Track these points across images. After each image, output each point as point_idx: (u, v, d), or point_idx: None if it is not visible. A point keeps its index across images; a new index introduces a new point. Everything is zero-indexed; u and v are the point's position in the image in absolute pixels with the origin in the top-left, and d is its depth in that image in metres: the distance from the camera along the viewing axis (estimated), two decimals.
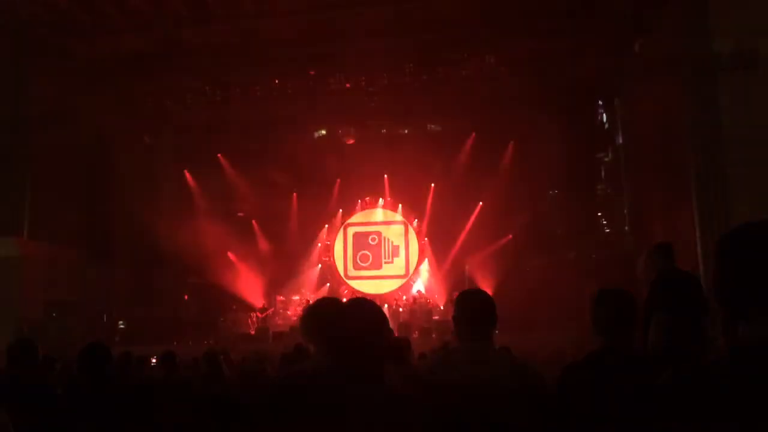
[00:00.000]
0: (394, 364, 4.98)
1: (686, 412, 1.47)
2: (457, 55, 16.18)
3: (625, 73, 15.83)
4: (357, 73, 17.33)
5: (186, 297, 20.03)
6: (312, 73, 17.03)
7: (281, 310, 19.46)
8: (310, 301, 18.14)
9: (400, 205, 21.21)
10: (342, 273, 21.31)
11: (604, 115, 18.89)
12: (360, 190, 21.21)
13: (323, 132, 20.90)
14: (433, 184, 20.57)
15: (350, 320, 2.05)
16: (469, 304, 2.94)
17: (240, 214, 20.51)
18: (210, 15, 14.51)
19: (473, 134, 19.56)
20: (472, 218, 20.08)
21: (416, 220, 21.06)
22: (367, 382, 1.97)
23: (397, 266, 21.10)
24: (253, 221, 20.58)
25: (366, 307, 2.13)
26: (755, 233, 1.55)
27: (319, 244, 21.25)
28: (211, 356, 5.94)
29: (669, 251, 4.91)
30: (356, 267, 21.32)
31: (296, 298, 19.86)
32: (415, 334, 16.32)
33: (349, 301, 2.23)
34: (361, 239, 21.47)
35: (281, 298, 19.84)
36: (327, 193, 20.89)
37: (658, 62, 13.02)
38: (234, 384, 5.92)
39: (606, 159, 18.90)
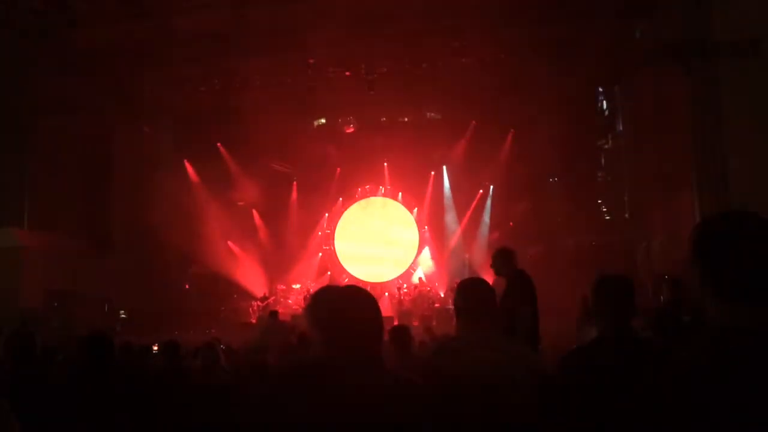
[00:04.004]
0: (395, 351, 5.01)
1: (685, 396, 1.52)
2: (456, 42, 16.10)
3: (625, 60, 15.78)
4: (356, 62, 17.27)
5: (187, 286, 20.07)
6: (311, 61, 16.96)
7: (282, 299, 19.48)
8: (311, 290, 18.26)
9: (400, 194, 21.20)
10: (343, 261, 21.34)
11: (605, 102, 18.88)
12: (360, 179, 21.20)
13: (323, 121, 20.86)
14: (433, 173, 20.57)
15: (344, 309, 2.06)
16: (469, 293, 2.96)
17: (240, 203, 20.50)
18: (209, 2, 14.44)
19: (473, 122, 19.50)
20: (473, 206, 20.11)
21: (416, 208, 21.05)
22: (365, 371, 1.98)
23: (398, 255, 21.11)
24: (254, 210, 20.59)
25: (359, 295, 2.14)
26: (728, 224, 1.66)
27: (320, 233, 21.26)
28: (210, 347, 5.96)
29: (511, 256, 5.97)
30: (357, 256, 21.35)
31: (297, 286, 19.90)
32: (416, 323, 16.37)
33: (340, 289, 2.23)
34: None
35: (282, 286, 19.87)
36: (327, 181, 20.88)
37: (658, 49, 12.98)
38: (235, 373, 5.95)
39: (606, 146, 18.91)
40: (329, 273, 20.97)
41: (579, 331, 6.49)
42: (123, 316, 18.25)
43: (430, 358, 3.13)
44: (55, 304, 15.88)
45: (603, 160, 19.11)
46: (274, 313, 13.08)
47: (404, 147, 19.13)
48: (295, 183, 20.89)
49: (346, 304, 2.08)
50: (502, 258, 5.95)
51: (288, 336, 9.93)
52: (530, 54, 15.92)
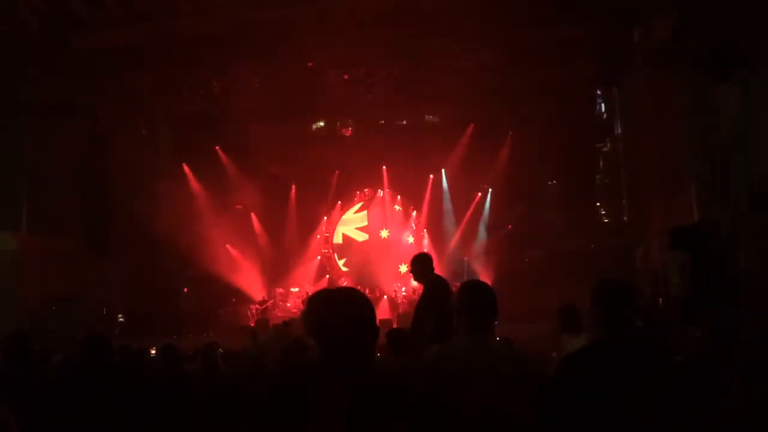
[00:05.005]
0: (393, 354, 5.00)
1: (681, 400, 1.53)
2: (455, 45, 16.11)
3: (623, 62, 15.78)
4: (355, 65, 17.28)
5: (185, 290, 20.03)
6: (310, 64, 16.96)
7: (281, 303, 19.47)
8: (309, 293, 18.23)
9: (398, 197, 21.19)
10: (340, 264, 21.32)
11: (603, 105, 18.86)
12: (358, 182, 21.20)
13: (321, 124, 20.85)
14: (431, 176, 20.57)
15: (338, 311, 2.06)
16: (470, 295, 2.95)
17: (238, 206, 20.49)
18: (208, 6, 14.44)
19: (471, 125, 19.50)
20: (471, 209, 20.11)
21: (415, 211, 21.04)
22: (360, 372, 1.98)
23: (396, 257, 21.08)
24: (252, 214, 20.58)
25: (352, 296, 2.13)
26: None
27: (318, 236, 21.24)
28: (208, 351, 5.94)
29: (428, 262, 6.04)
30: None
31: (295, 290, 19.88)
32: None
33: (334, 291, 2.22)
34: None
35: (280, 290, 19.85)
36: (325, 184, 20.88)
37: (656, 52, 12.98)
38: (233, 377, 5.93)
39: (604, 149, 18.89)
40: (328, 276, 20.96)
41: (559, 339, 6.31)
42: (121, 320, 18.21)
43: (427, 361, 3.11)
44: (54, 308, 15.82)
45: (601, 163, 19.10)
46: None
47: (403, 150, 19.13)
48: (293, 186, 20.88)
49: (340, 306, 2.07)
50: (418, 264, 5.89)
51: (287, 339, 9.91)
52: (528, 57, 15.94)
